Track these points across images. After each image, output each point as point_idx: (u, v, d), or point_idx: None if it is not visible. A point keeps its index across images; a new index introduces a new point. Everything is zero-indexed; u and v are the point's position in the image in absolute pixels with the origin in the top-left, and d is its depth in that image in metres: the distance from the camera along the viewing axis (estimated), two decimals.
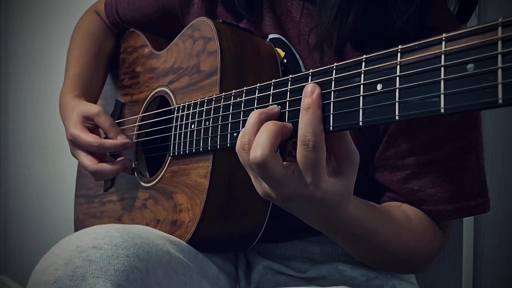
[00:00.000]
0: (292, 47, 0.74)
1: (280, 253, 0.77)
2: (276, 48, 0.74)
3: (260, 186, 0.52)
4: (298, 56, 0.73)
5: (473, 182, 0.66)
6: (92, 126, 0.84)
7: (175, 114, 0.74)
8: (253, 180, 0.53)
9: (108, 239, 0.57)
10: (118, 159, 0.85)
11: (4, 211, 2.51)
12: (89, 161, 0.81)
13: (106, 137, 0.87)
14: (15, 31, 2.41)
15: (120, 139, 0.82)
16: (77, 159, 0.85)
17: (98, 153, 0.83)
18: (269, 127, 0.49)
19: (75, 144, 0.83)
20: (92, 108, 0.84)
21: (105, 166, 0.81)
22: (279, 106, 0.53)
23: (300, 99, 0.50)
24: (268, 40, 0.76)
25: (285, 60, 0.74)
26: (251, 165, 0.49)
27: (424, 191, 0.67)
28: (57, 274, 0.53)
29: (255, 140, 0.49)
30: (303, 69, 0.73)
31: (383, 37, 0.65)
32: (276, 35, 0.75)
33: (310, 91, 0.48)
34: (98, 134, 0.85)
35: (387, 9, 0.62)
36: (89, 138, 0.81)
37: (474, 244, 0.94)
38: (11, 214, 2.47)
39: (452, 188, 0.66)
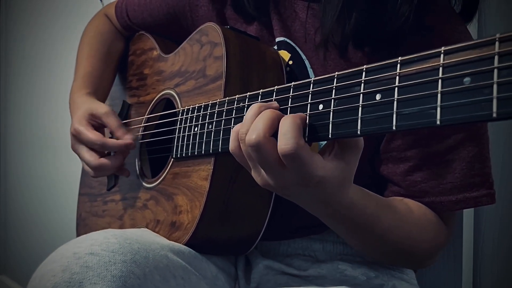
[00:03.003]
0: (297, 48, 0.75)
1: (283, 250, 0.78)
2: (282, 50, 0.76)
3: (259, 175, 0.53)
4: (304, 57, 0.74)
5: (475, 174, 0.67)
6: (97, 124, 0.85)
7: (180, 117, 0.75)
8: (252, 171, 0.54)
9: (105, 245, 0.57)
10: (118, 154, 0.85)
11: (4, 211, 2.52)
12: (91, 157, 0.82)
13: (111, 137, 0.87)
14: (15, 31, 2.42)
15: (128, 139, 0.82)
16: (77, 154, 0.85)
17: (100, 150, 0.84)
18: (266, 113, 0.51)
19: (78, 139, 0.84)
20: (101, 108, 0.85)
21: (106, 161, 0.82)
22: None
23: (302, 105, 0.52)
24: (275, 42, 0.77)
25: (290, 62, 0.75)
26: (247, 150, 0.51)
27: (426, 182, 0.68)
28: (55, 280, 0.54)
29: (252, 125, 0.51)
30: (309, 69, 0.74)
31: (382, 36, 0.66)
32: (282, 38, 0.76)
33: None
34: (103, 133, 0.86)
35: (387, 9, 0.64)
36: (92, 135, 0.82)
37: (474, 244, 0.94)
38: (11, 214, 2.47)
39: (454, 179, 0.67)
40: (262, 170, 0.52)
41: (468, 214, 0.93)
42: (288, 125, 0.49)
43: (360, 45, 0.69)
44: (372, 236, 0.63)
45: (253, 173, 0.55)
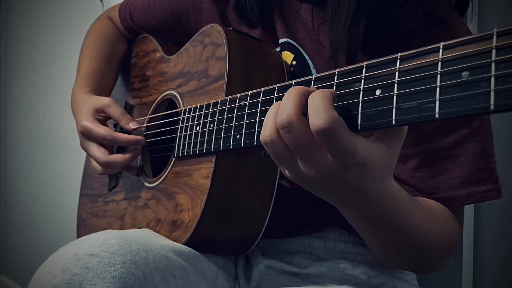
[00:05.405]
0: (300, 49, 0.76)
1: (284, 248, 0.78)
2: (286, 51, 0.77)
3: (295, 169, 0.49)
4: (307, 57, 0.75)
5: (481, 168, 0.67)
6: (103, 118, 0.86)
7: (181, 116, 0.76)
8: (287, 166, 0.50)
9: (105, 247, 0.58)
10: (128, 150, 0.86)
11: (4, 211, 2.53)
12: (100, 153, 0.83)
13: (115, 130, 0.88)
14: (15, 31, 2.43)
15: (132, 125, 0.83)
16: (87, 151, 0.86)
17: (108, 146, 0.85)
18: (291, 90, 0.48)
19: (87, 136, 0.84)
20: (103, 100, 0.86)
21: (115, 157, 0.82)
22: None
23: None
24: (279, 44, 0.78)
25: (294, 62, 0.76)
26: (280, 134, 0.47)
27: (435, 177, 0.68)
28: (55, 281, 0.54)
29: (280, 107, 0.48)
30: (312, 69, 0.75)
31: (392, 39, 0.66)
32: (285, 39, 0.77)
33: None
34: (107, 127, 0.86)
35: (394, 13, 0.64)
36: (102, 130, 0.82)
37: (474, 244, 0.95)
38: (11, 214, 2.48)
39: (462, 173, 0.67)
40: (299, 162, 0.48)
41: (468, 214, 0.94)
42: (317, 100, 0.45)
43: (368, 52, 0.68)
44: (402, 233, 0.59)
45: (288, 171, 0.50)
